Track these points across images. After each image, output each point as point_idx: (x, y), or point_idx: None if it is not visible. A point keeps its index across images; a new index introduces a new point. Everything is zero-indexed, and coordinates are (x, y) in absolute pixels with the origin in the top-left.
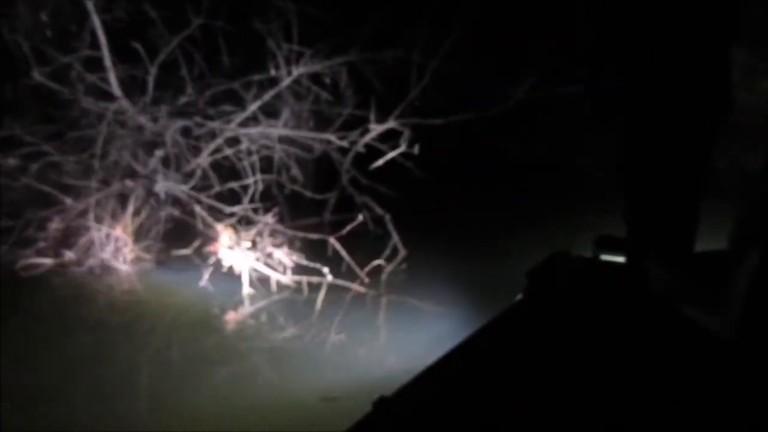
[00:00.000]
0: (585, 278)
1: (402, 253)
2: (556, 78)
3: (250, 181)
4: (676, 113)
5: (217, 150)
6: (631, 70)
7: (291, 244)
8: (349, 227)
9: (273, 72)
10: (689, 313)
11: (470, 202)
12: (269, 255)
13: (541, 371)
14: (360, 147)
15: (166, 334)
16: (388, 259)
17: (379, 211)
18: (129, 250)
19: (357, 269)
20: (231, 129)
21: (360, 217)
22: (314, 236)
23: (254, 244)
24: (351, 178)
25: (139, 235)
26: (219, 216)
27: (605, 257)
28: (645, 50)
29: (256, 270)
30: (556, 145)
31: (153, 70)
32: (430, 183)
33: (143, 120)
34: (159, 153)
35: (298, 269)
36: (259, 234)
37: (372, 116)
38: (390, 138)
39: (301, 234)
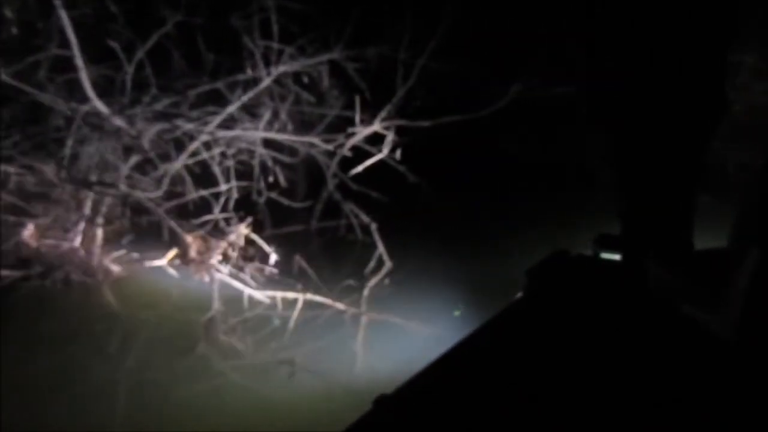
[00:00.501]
0: (585, 277)
1: (388, 265)
2: (556, 78)
3: (224, 188)
4: (675, 113)
5: (195, 154)
6: (630, 70)
7: (266, 256)
8: (308, 249)
9: (250, 71)
10: (689, 313)
11: (469, 203)
12: (242, 268)
13: (541, 370)
14: (346, 150)
15: (136, 353)
16: (375, 270)
17: (365, 218)
18: (99, 261)
19: (323, 288)
20: (208, 132)
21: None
22: (288, 246)
23: (226, 256)
24: (340, 182)
25: (110, 244)
26: (194, 225)
27: (605, 256)
28: (644, 50)
29: (228, 284)
30: (556, 145)
31: (130, 70)
32: (427, 185)
33: (119, 122)
34: (133, 158)
35: (275, 283)
36: (232, 246)
37: (357, 118)
38: (382, 139)
39: (270, 247)
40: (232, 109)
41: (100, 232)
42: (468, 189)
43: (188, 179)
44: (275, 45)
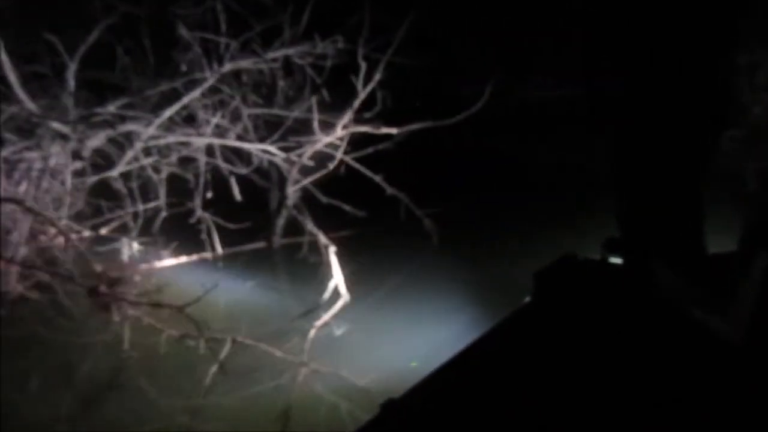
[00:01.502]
0: (593, 281)
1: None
2: (556, 78)
3: (136, 206)
4: (676, 114)
5: (135, 159)
6: (630, 70)
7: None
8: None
9: (184, 67)
10: (697, 316)
11: (468, 204)
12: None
13: (548, 374)
14: (305, 159)
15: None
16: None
17: (323, 240)
18: (15, 288)
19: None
20: (142, 140)
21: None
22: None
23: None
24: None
25: (30, 270)
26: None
27: (614, 260)
28: (644, 50)
29: (142, 321)
30: (556, 145)
31: (73, 66)
32: (410, 191)
33: (58, 126)
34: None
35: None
36: (149, 276)
37: (315, 124)
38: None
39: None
40: (170, 113)
41: (16, 254)
42: (467, 190)
43: (124, 192)
44: (222, 40)
